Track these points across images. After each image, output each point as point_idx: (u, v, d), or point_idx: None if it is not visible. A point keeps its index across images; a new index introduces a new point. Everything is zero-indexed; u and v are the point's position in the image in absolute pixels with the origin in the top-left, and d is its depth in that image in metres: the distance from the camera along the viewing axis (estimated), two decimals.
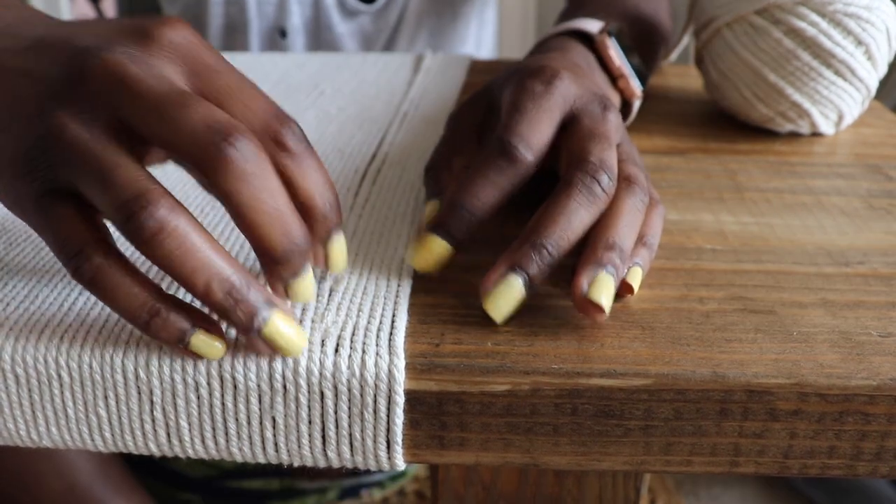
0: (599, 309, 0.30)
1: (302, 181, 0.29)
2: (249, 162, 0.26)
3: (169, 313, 0.27)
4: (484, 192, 0.33)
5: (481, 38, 0.95)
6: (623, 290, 0.32)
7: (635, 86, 0.47)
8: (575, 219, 0.32)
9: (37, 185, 0.28)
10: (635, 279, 0.32)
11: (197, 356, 0.28)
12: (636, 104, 0.48)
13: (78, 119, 0.27)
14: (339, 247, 0.31)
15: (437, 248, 0.32)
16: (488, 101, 0.39)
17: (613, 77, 0.47)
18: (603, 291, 0.30)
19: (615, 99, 0.47)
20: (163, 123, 0.27)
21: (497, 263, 0.31)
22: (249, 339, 0.28)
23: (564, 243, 0.31)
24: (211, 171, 0.26)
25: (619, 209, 0.33)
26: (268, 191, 0.27)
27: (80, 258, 0.27)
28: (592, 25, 0.47)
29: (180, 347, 0.28)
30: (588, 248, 0.32)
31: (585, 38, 0.47)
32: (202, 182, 0.32)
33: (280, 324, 0.28)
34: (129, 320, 0.27)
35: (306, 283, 0.29)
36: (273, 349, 0.28)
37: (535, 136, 0.34)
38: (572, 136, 0.35)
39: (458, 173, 0.37)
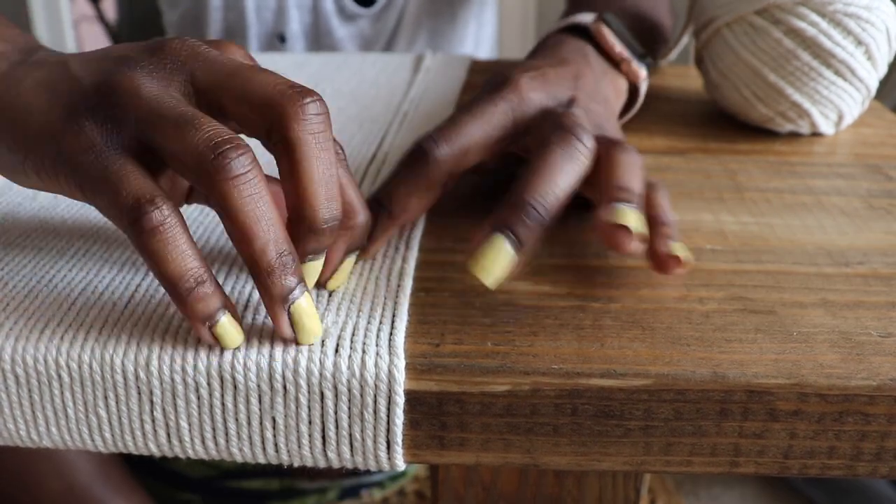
0: (625, 232, 0.30)
1: (350, 184, 0.31)
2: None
3: (213, 288, 0.28)
4: (397, 190, 0.34)
5: (480, 39, 0.95)
6: (670, 265, 0.32)
7: (638, 67, 0.46)
8: (558, 174, 0.32)
9: (96, 141, 0.28)
10: (680, 250, 0.32)
11: (214, 341, 0.28)
12: (643, 86, 0.48)
13: (151, 77, 0.29)
14: (348, 265, 0.32)
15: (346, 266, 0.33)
16: None
17: (616, 63, 0.46)
18: (624, 218, 0.30)
19: (622, 84, 0.47)
20: (242, 83, 0.29)
21: (483, 224, 0.31)
22: (278, 314, 0.28)
23: (551, 199, 0.31)
24: (280, 125, 0.28)
25: (613, 160, 0.33)
26: (328, 153, 0.28)
27: (150, 205, 0.27)
28: (587, 17, 0.47)
29: (204, 328, 0.28)
30: (597, 197, 0.32)
31: (582, 32, 0.47)
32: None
33: (307, 305, 0.28)
34: (172, 283, 0.27)
35: (316, 266, 0.30)
36: (295, 330, 0.28)
37: (452, 137, 0.35)
38: (539, 131, 0.35)
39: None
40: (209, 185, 0.27)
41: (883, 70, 0.50)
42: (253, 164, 0.27)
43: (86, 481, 0.70)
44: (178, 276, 0.27)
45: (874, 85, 0.50)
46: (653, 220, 0.33)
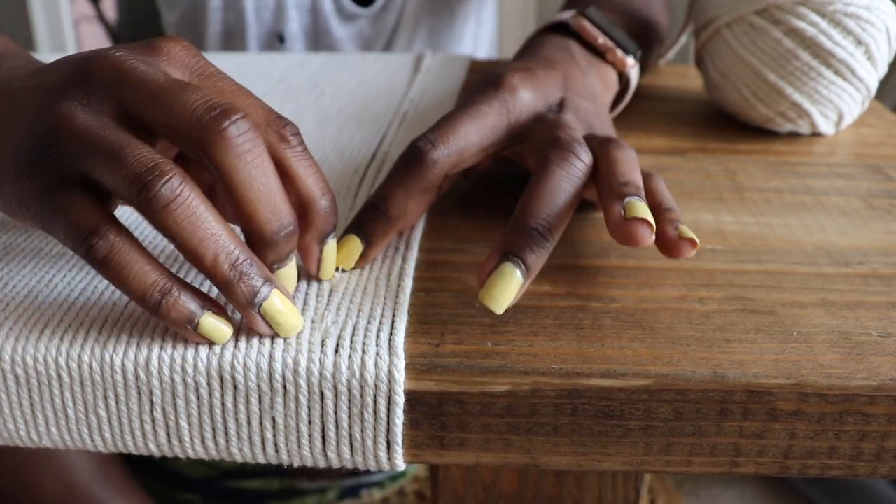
0: (644, 224, 0.30)
1: (303, 174, 0.30)
2: (245, 138, 0.28)
3: (180, 293, 0.28)
4: (394, 193, 0.34)
5: (479, 38, 0.95)
6: (678, 250, 0.31)
7: (623, 55, 0.46)
8: (560, 195, 0.32)
9: (43, 179, 0.29)
10: (688, 232, 0.32)
11: (205, 340, 0.29)
12: (632, 73, 0.48)
13: (83, 108, 0.29)
14: (331, 251, 0.32)
15: (350, 244, 0.34)
16: None
17: (601, 54, 0.46)
18: (639, 211, 0.31)
19: (610, 75, 0.47)
20: (165, 107, 0.28)
21: (490, 253, 0.30)
22: (249, 316, 0.29)
23: (554, 221, 0.31)
24: (208, 145, 0.27)
25: (610, 158, 0.33)
26: (261, 168, 0.28)
27: (94, 236, 0.27)
28: (567, 14, 0.47)
29: (189, 330, 0.28)
30: (602, 196, 0.32)
31: (565, 29, 0.47)
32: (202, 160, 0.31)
33: (279, 302, 0.28)
34: (139, 300, 0.28)
35: (289, 272, 0.30)
36: (272, 327, 0.29)
37: (446, 138, 0.35)
38: (534, 139, 0.36)
39: None
40: (147, 216, 0.27)
41: (883, 70, 0.50)
42: (182, 185, 0.27)
43: (86, 481, 0.70)
44: (141, 294, 0.28)
45: (874, 85, 0.50)
46: (657, 208, 0.33)
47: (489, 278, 0.30)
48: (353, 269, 0.34)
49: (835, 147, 0.51)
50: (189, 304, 0.28)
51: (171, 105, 0.28)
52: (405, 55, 0.71)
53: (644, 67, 0.59)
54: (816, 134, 0.52)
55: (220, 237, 0.27)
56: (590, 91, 0.42)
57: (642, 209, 0.31)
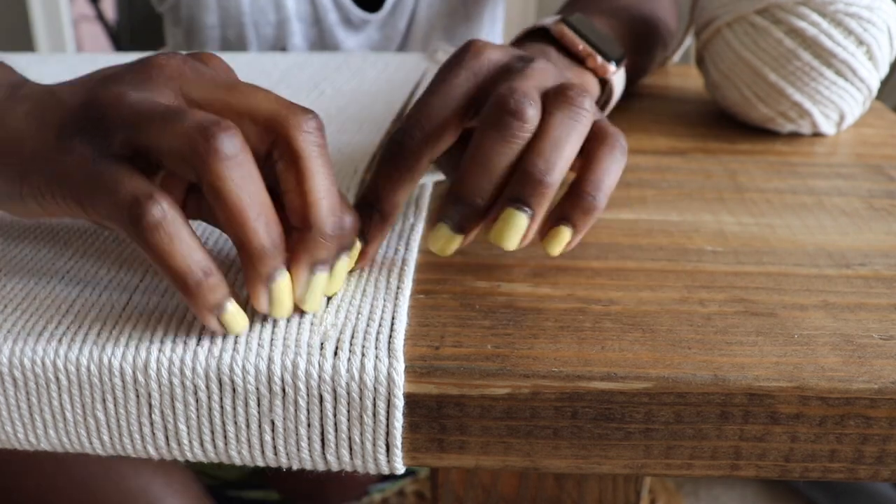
0: (512, 236, 0.31)
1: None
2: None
3: (219, 277, 0.28)
4: (384, 190, 0.34)
5: (493, 36, 0.94)
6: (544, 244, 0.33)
7: (604, 62, 0.45)
8: (492, 159, 0.31)
9: (85, 155, 0.29)
10: (554, 244, 0.32)
11: (221, 329, 0.29)
12: (616, 80, 0.47)
13: (91, 146, 0.29)
14: (339, 271, 0.31)
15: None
16: None
17: (581, 60, 0.46)
18: (503, 232, 0.31)
19: (589, 80, 0.46)
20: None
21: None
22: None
23: (487, 188, 0.31)
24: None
25: (542, 128, 0.32)
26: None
27: (149, 201, 0.27)
28: (549, 20, 0.47)
29: (212, 317, 0.28)
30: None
31: (545, 34, 0.47)
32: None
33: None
34: (180, 276, 0.28)
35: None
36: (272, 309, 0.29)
37: (423, 123, 0.34)
38: (490, 91, 0.34)
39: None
40: (200, 174, 0.28)
41: (884, 70, 0.50)
42: (242, 146, 0.28)
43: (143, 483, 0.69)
44: (186, 269, 0.28)
45: (875, 85, 0.50)
46: (565, 200, 0.32)
47: (432, 235, 0.32)
48: (353, 270, 0.34)
49: (836, 147, 0.51)
50: (222, 289, 0.28)
51: (248, 97, 0.29)
52: (405, 55, 0.71)
53: (646, 69, 0.59)
54: (817, 134, 0.52)
55: (266, 208, 0.28)
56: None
57: (508, 227, 0.31)
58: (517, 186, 0.31)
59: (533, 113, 0.32)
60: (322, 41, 0.86)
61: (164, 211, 0.27)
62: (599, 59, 0.45)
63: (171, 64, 0.31)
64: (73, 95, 0.31)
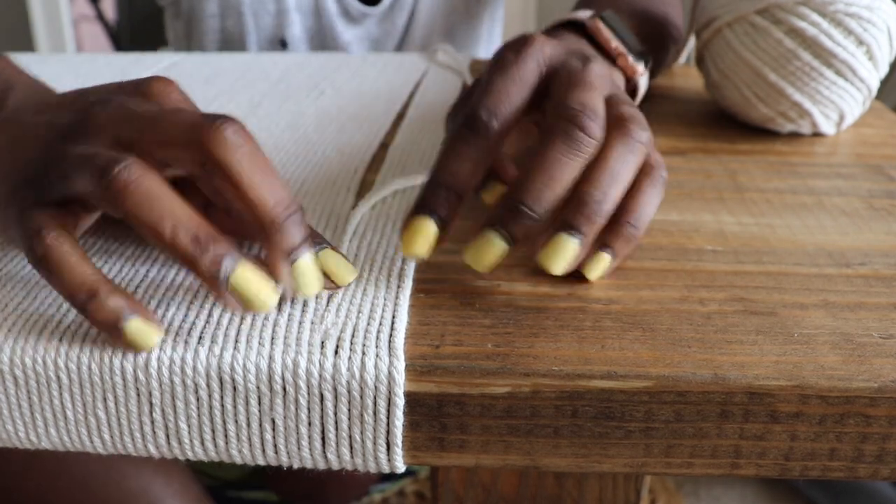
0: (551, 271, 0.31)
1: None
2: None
3: (108, 295, 0.29)
4: (456, 165, 0.33)
5: (492, 36, 0.94)
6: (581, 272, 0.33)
7: (634, 62, 0.46)
8: (556, 171, 0.31)
9: (28, 201, 0.30)
10: (594, 269, 0.33)
11: (131, 346, 0.29)
12: (641, 81, 0.47)
13: (81, 146, 0.31)
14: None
15: (425, 227, 0.32)
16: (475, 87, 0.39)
17: (612, 58, 0.46)
18: (552, 256, 0.31)
19: (619, 79, 0.46)
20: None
21: (483, 224, 0.32)
22: (218, 292, 0.28)
23: (548, 198, 0.31)
24: (111, 200, 0.28)
25: (602, 157, 0.32)
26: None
27: (35, 238, 0.29)
28: (584, 14, 0.47)
29: (116, 334, 0.29)
30: (563, 204, 0.32)
31: (579, 27, 0.47)
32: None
33: (248, 274, 0.28)
34: (68, 298, 0.29)
35: (306, 264, 0.29)
36: (242, 303, 0.28)
37: (501, 105, 0.34)
38: (552, 91, 0.34)
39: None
40: (109, 203, 0.29)
41: (884, 70, 0.50)
42: (142, 170, 0.28)
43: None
44: (69, 292, 0.29)
45: (875, 85, 0.50)
46: (608, 233, 0.33)
47: (475, 243, 0.32)
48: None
49: (836, 147, 0.51)
50: (116, 304, 0.28)
51: (169, 127, 0.30)
52: (405, 55, 0.71)
53: (658, 70, 0.59)
54: (817, 134, 0.52)
55: (177, 214, 0.28)
56: None
57: (558, 253, 0.31)
58: (572, 213, 0.32)
59: (599, 132, 0.32)
60: (321, 33, 0.86)
61: (48, 243, 0.29)
62: (631, 58, 0.46)
63: (103, 114, 0.31)
64: (26, 150, 0.32)
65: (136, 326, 0.28)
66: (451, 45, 0.89)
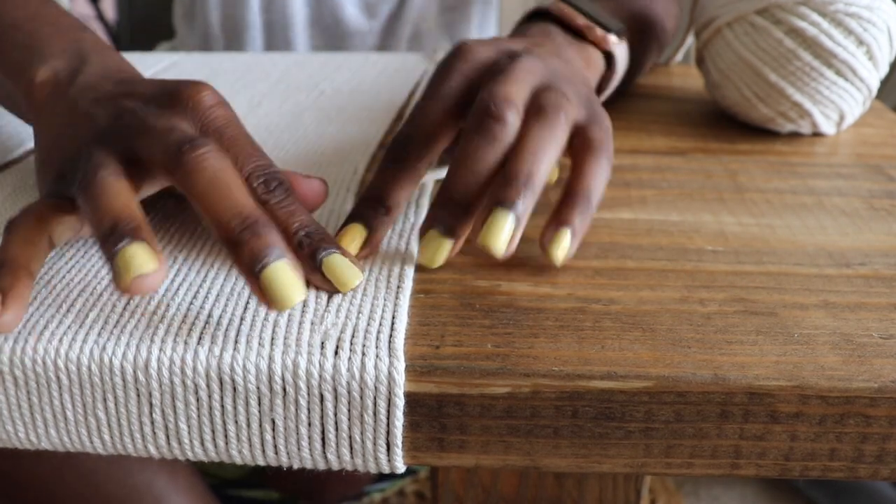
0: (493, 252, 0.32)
1: (286, 220, 0.32)
2: (210, 158, 0.30)
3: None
4: (390, 188, 0.35)
5: (486, 15, 0.94)
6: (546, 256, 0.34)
7: (604, 33, 0.47)
8: (474, 159, 0.33)
9: (97, 149, 0.32)
10: (556, 248, 0.33)
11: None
12: (618, 51, 0.48)
13: (105, 149, 0.32)
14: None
15: (357, 234, 0.35)
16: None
17: (581, 35, 0.47)
18: (490, 233, 0.32)
19: (592, 54, 0.47)
20: (152, 145, 0.31)
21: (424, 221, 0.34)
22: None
23: (472, 186, 0.33)
24: (176, 172, 0.30)
25: (520, 137, 0.33)
26: (224, 171, 0.30)
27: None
28: (548, 1, 0.48)
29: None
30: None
31: (545, 15, 0.47)
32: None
33: (281, 272, 0.28)
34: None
35: (277, 274, 0.28)
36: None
37: (420, 126, 0.36)
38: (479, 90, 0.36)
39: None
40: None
41: (884, 70, 0.50)
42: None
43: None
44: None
45: (875, 85, 0.50)
46: (558, 208, 0.34)
47: (423, 242, 0.34)
48: (360, 257, 0.34)
49: (836, 147, 0.51)
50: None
51: (148, 147, 0.31)
52: (405, 55, 0.71)
53: (642, 64, 0.59)
54: (818, 134, 0.52)
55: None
56: (565, 56, 0.42)
57: (496, 229, 0.32)
58: (500, 188, 0.33)
59: (513, 117, 0.34)
60: (321, 14, 0.86)
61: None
62: (599, 30, 0.46)
63: (126, 126, 0.33)
64: (105, 114, 0.34)
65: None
66: (447, 20, 0.89)
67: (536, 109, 0.34)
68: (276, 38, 0.87)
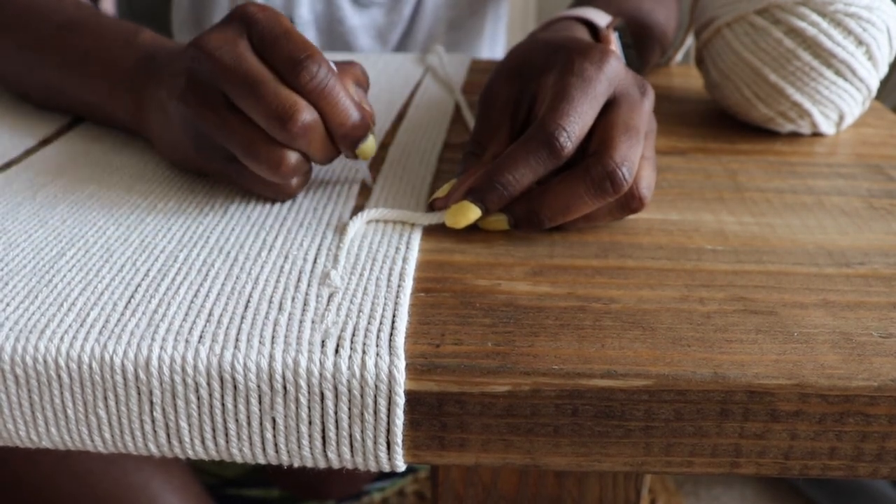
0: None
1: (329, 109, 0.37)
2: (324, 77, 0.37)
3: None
4: (520, 173, 0.36)
5: (496, 33, 0.94)
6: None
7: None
8: (573, 203, 0.35)
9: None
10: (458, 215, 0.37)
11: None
12: None
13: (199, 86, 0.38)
14: (369, 144, 0.39)
15: (470, 213, 0.37)
16: (524, 77, 0.40)
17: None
18: (461, 220, 0.37)
19: None
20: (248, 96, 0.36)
21: (458, 186, 0.37)
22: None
23: (515, 188, 0.36)
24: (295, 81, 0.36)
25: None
26: (339, 87, 0.37)
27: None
28: (601, 18, 0.48)
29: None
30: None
31: (591, 29, 0.48)
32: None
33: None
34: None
35: (369, 144, 0.39)
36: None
37: (579, 128, 0.36)
38: (607, 121, 0.36)
39: (486, 160, 0.39)
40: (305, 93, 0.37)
41: (884, 70, 0.50)
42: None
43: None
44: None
45: (875, 85, 0.50)
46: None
47: (451, 210, 0.37)
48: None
49: (836, 147, 0.51)
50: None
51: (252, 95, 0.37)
52: (406, 55, 0.71)
53: (642, 67, 0.59)
54: (817, 134, 0.52)
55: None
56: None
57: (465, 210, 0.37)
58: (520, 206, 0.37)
59: (570, 147, 0.36)
60: (328, 16, 0.86)
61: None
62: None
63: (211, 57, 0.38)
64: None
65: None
66: (456, 39, 0.89)
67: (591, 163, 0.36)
68: None
